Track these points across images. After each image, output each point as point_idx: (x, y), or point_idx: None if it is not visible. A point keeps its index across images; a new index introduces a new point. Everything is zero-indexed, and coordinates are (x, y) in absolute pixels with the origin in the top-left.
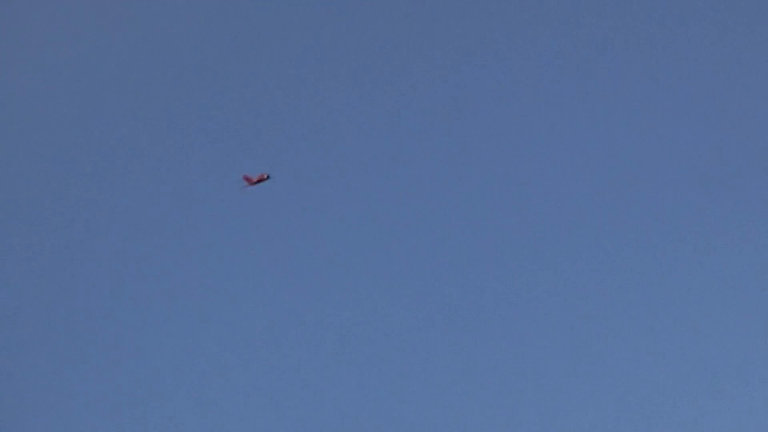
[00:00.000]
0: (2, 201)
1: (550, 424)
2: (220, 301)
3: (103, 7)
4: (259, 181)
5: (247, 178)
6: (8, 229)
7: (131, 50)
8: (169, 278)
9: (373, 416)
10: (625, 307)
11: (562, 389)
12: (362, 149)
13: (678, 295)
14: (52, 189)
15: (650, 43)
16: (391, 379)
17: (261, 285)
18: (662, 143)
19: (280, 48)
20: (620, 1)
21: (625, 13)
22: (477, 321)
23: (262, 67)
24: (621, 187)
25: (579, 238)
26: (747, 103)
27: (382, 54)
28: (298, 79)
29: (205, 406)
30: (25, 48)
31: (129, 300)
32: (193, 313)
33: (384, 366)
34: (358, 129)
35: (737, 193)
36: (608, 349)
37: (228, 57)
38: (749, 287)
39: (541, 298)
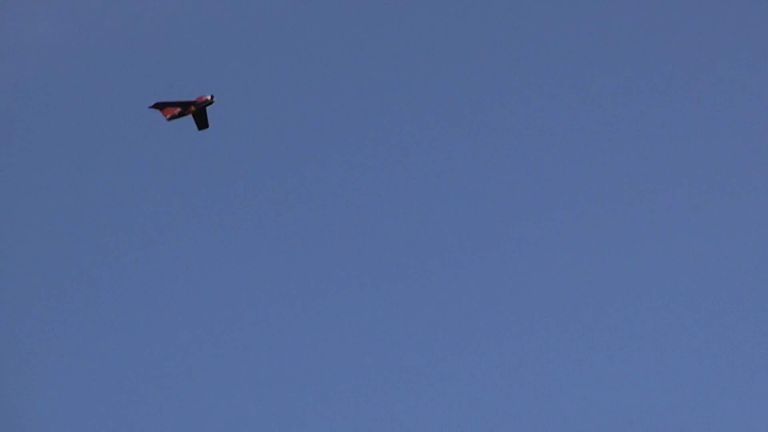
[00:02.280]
0: None
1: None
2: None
3: None
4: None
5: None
6: None
7: None
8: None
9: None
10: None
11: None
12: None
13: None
14: None
15: (648, 43)
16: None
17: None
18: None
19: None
20: (619, 2)
21: (625, 13)
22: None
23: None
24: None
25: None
26: (746, 102)
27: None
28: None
29: (203, 406)
30: None
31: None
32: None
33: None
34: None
35: (737, 192)
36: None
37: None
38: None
39: (538, 296)
